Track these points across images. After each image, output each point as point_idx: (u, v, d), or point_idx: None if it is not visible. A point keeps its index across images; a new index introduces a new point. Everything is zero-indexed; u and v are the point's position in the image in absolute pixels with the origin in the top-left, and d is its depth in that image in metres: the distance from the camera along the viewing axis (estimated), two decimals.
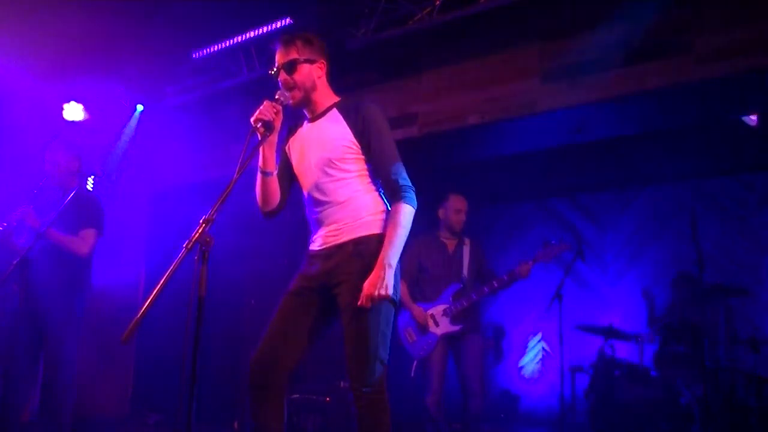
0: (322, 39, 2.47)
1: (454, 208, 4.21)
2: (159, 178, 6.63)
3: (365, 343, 2.22)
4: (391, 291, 2.20)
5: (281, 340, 2.32)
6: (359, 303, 2.17)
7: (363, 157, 2.35)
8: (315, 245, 2.40)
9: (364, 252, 2.27)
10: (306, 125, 2.49)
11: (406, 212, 2.29)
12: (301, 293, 2.37)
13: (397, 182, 2.30)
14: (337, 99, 2.48)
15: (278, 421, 2.31)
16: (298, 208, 2.56)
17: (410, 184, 2.33)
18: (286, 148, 2.54)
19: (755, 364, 4.33)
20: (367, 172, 2.37)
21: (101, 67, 5.35)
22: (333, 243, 2.33)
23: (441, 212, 4.27)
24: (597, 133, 4.80)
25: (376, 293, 2.16)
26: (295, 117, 2.57)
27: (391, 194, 2.32)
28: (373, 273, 2.19)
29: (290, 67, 2.36)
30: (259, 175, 2.41)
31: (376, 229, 2.31)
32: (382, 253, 2.22)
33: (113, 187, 6.05)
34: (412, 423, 4.50)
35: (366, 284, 2.18)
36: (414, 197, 2.32)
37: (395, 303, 2.30)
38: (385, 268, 2.19)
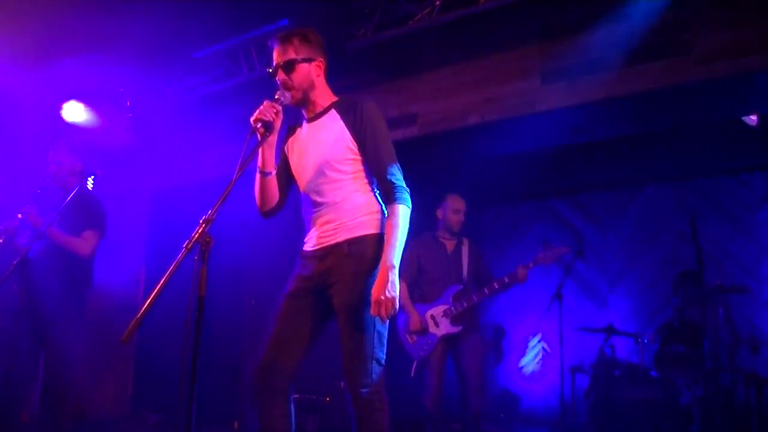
0: (321, 35, 2.44)
1: (453, 209, 4.22)
2: (159, 178, 6.63)
3: (361, 343, 2.21)
4: (397, 293, 2.18)
5: (281, 345, 2.32)
6: (371, 312, 2.16)
7: (360, 157, 2.34)
8: (309, 245, 2.40)
9: (359, 252, 2.26)
10: (305, 125, 2.48)
11: (402, 213, 2.27)
12: (298, 295, 2.36)
13: (392, 183, 2.29)
14: (335, 98, 2.47)
15: (285, 423, 2.31)
16: (299, 207, 2.56)
17: (404, 185, 2.32)
18: (285, 148, 2.53)
19: (755, 364, 4.33)
20: (363, 173, 2.36)
21: (101, 67, 5.35)
22: (328, 243, 2.33)
23: (439, 212, 4.28)
24: (597, 133, 4.80)
25: (383, 297, 2.14)
26: (295, 117, 2.57)
27: (386, 195, 2.32)
28: (378, 277, 2.18)
29: (288, 67, 2.34)
30: (257, 175, 2.40)
31: (371, 230, 2.30)
32: (383, 255, 2.21)
33: (113, 187, 6.05)
34: (412, 423, 4.50)
35: (373, 290, 2.17)
36: (408, 198, 2.31)
37: None
38: (388, 271, 2.18)
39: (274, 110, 2.25)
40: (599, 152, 5.35)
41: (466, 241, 4.29)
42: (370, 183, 2.37)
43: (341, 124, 2.36)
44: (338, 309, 2.27)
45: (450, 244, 4.25)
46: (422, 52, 4.88)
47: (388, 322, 2.27)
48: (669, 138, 5.10)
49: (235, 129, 5.68)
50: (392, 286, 2.16)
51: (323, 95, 2.45)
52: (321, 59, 2.42)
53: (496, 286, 4.02)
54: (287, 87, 2.35)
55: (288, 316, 2.35)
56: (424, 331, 4.02)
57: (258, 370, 2.31)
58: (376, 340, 2.23)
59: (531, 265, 4.04)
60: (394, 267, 2.19)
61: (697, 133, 5.02)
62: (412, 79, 5.03)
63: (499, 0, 4.11)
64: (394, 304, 2.16)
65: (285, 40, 2.36)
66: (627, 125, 4.71)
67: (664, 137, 5.08)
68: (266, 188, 2.42)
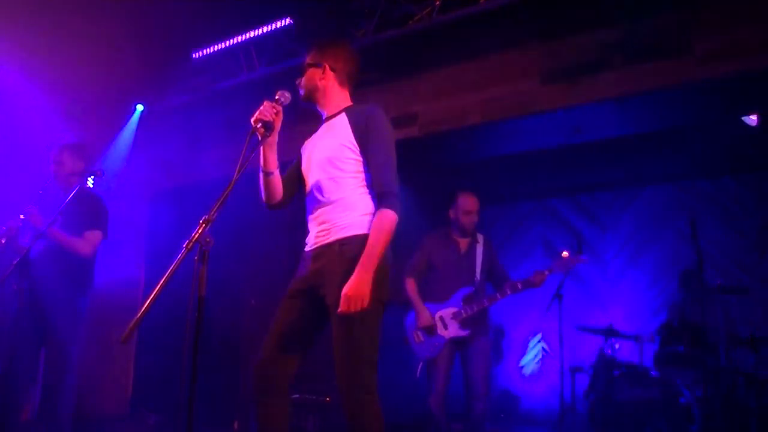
0: (335, 43, 2.58)
1: (464, 210, 4.09)
2: (159, 178, 6.63)
3: (352, 345, 2.20)
4: (367, 291, 2.16)
5: (281, 346, 2.34)
6: (339, 308, 2.15)
7: (360, 159, 2.36)
8: (308, 245, 2.43)
9: (349, 252, 2.25)
10: (322, 127, 2.54)
11: (388, 218, 2.27)
12: (296, 296, 2.39)
13: (383, 187, 2.30)
14: (349, 103, 2.53)
15: (283, 424, 2.32)
16: (298, 208, 2.56)
17: (396, 191, 2.32)
18: (302, 149, 2.58)
19: (755, 364, 4.33)
20: (362, 174, 2.37)
21: (102, 67, 5.35)
22: (321, 243, 2.35)
23: (451, 213, 4.14)
24: (597, 133, 4.80)
25: (351, 293, 2.13)
26: (313, 119, 2.60)
27: (378, 199, 2.33)
28: (353, 275, 2.17)
29: (301, 69, 2.54)
30: (261, 174, 2.44)
31: (361, 230, 2.30)
32: (362, 255, 2.21)
33: (113, 187, 6.05)
34: (413, 424, 4.50)
35: (345, 287, 2.16)
36: (396, 204, 2.30)
37: (383, 304, 2.28)
38: (363, 269, 2.17)
39: (274, 110, 2.27)
40: (599, 152, 5.35)
41: (481, 239, 4.17)
42: (369, 185, 2.38)
43: (347, 125, 2.40)
44: (330, 309, 2.26)
45: (464, 243, 4.12)
46: (422, 52, 4.88)
47: (380, 324, 2.26)
48: (669, 138, 5.11)
49: (235, 129, 5.69)
50: (362, 284, 2.15)
51: (335, 100, 2.51)
52: (326, 65, 2.50)
53: (509, 291, 3.96)
54: (299, 86, 2.54)
55: (287, 318, 2.37)
56: (432, 330, 3.96)
57: (258, 371, 2.33)
58: (367, 342, 2.22)
59: (547, 272, 3.99)
60: (368, 269, 2.18)
61: (697, 133, 5.03)
62: (412, 79, 5.03)
63: (499, 0, 4.11)
64: (363, 302, 2.14)
65: (311, 47, 2.57)
66: (627, 125, 4.72)
67: (664, 137, 5.08)
68: (270, 186, 2.46)
